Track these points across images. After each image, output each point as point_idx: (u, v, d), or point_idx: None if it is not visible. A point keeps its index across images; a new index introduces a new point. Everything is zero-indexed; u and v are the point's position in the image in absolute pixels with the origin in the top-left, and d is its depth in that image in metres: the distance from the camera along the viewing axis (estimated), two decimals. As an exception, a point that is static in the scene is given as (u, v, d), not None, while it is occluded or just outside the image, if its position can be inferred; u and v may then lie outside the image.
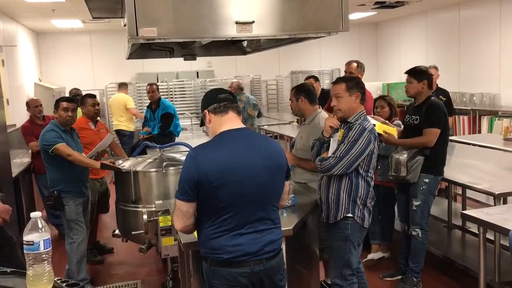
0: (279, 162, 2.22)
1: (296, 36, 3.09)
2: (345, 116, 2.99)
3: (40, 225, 1.34)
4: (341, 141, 2.93)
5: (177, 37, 2.81)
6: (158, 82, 10.49)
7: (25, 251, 1.32)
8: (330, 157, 2.92)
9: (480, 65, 9.02)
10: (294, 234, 2.70)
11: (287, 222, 2.72)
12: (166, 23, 2.64)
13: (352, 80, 3.05)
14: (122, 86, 8.90)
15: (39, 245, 1.30)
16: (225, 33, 2.76)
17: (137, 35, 2.58)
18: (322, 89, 6.01)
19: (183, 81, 10.76)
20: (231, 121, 2.19)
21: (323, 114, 3.65)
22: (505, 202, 3.55)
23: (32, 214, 1.36)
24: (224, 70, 11.22)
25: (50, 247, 1.34)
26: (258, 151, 2.15)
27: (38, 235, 1.32)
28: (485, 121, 8.45)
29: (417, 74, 3.76)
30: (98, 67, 10.89)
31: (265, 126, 8.46)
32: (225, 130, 2.16)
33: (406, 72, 3.86)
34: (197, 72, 11.05)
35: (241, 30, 2.78)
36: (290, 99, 3.70)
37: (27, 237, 1.31)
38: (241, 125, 2.21)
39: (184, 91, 10.69)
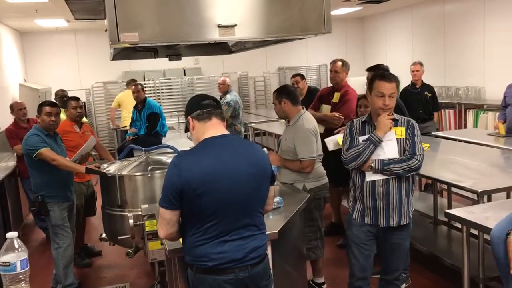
0: (264, 168, 2.22)
1: (279, 38, 3.09)
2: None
3: (16, 245, 1.32)
4: (410, 139, 2.86)
5: (159, 41, 2.81)
6: (144, 80, 10.44)
7: (1, 273, 1.30)
8: (414, 156, 2.81)
9: (465, 59, 9.09)
10: (281, 236, 2.71)
11: (273, 225, 2.73)
12: (147, 28, 2.62)
13: (396, 78, 2.99)
14: (132, 82, 8.70)
15: (16, 265, 1.28)
16: (207, 37, 2.75)
17: (119, 40, 2.56)
18: (309, 87, 6.01)
19: (170, 79, 10.70)
20: (214, 128, 2.18)
21: (307, 115, 3.66)
22: (489, 199, 3.60)
23: (8, 235, 1.34)
24: (211, 68, 11.18)
25: (28, 267, 1.32)
26: (242, 157, 2.15)
27: (14, 255, 1.30)
28: (470, 115, 8.55)
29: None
30: (83, 66, 10.79)
31: (253, 124, 8.45)
32: (209, 137, 2.16)
33: (368, 70, 3.86)
34: (184, 70, 10.99)
35: (224, 34, 2.78)
36: (273, 102, 3.71)
37: (3, 258, 1.30)
38: (225, 132, 2.21)
39: (171, 89, 10.63)
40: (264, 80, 11.81)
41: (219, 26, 2.72)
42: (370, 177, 2.89)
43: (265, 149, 4.00)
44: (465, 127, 8.51)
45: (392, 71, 3.94)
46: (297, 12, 2.85)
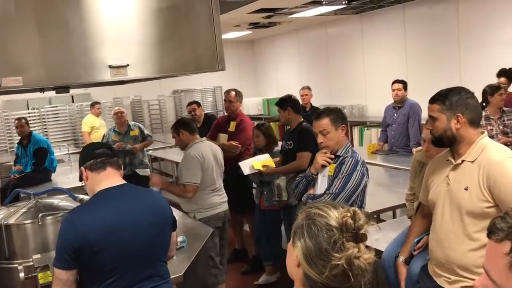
0: (164, 214, 2.19)
1: (173, 75, 3.10)
2: (333, 151, 2.90)
3: None
4: (334, 176, 2.82)
5: (46, 84, 2.66)
6: (28, 109, 9.73)
7: None
8: (324, 194, 2.78)
9: (349, 79, 9.78)
10: (187, 276, 2.68)
11: (177, 268, 2.70)
12: (32, 71, 2.48)
13: (335, 112, 2.92)
14: (96, 104, 8.76)
15: None
16: (98, 77, 2.67)
17: (0, 86, 2.40)
18: (205, 114, 6.06)
19: (56, 106, 10.05)
20: (109, 178, 2.11)
21: (201, 143, 3.80)
22: (379, 219, 3.87)
23: None
24: (102, 93, 10.70)
25: None
26: (141, 207, 2.10)
27: None
28: (356, 131, 9.20)
29: (281, 103, 4.06)
30: (-45, 96, 9.79)
31: (150, 151, 8.25)
32: (104, 188, 2.08)
33: (276, 104, 4.13)
34: (72, 97, 10.43)
35: (116, 74, 2.72)
36: (172, 137, 3.78)
37: None
38: (121, 181, 2.15)
39: (58, 118, 9.98)
40: (159, 103, 11.62)
41: (110, 66, 2.66)
42: None
43: (147, 169, 4.00)
44: (352, 143, 9.12)
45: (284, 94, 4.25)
46: (190, 51, 2.89)
